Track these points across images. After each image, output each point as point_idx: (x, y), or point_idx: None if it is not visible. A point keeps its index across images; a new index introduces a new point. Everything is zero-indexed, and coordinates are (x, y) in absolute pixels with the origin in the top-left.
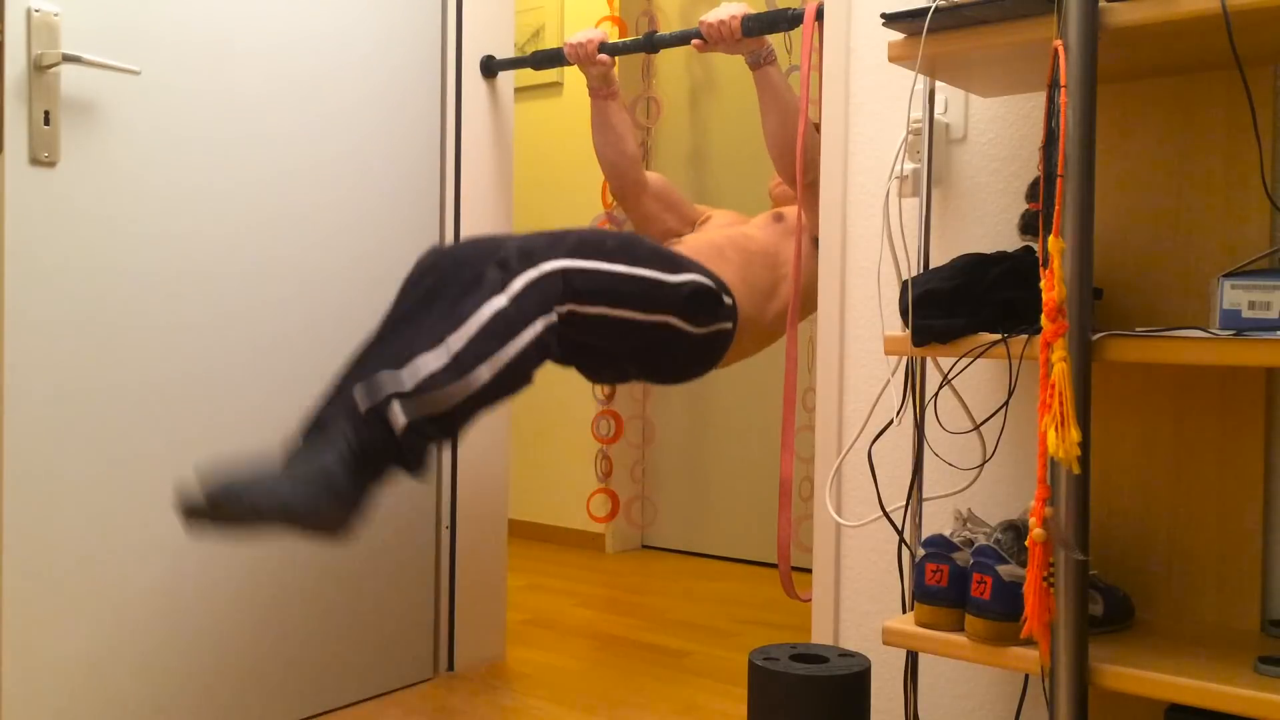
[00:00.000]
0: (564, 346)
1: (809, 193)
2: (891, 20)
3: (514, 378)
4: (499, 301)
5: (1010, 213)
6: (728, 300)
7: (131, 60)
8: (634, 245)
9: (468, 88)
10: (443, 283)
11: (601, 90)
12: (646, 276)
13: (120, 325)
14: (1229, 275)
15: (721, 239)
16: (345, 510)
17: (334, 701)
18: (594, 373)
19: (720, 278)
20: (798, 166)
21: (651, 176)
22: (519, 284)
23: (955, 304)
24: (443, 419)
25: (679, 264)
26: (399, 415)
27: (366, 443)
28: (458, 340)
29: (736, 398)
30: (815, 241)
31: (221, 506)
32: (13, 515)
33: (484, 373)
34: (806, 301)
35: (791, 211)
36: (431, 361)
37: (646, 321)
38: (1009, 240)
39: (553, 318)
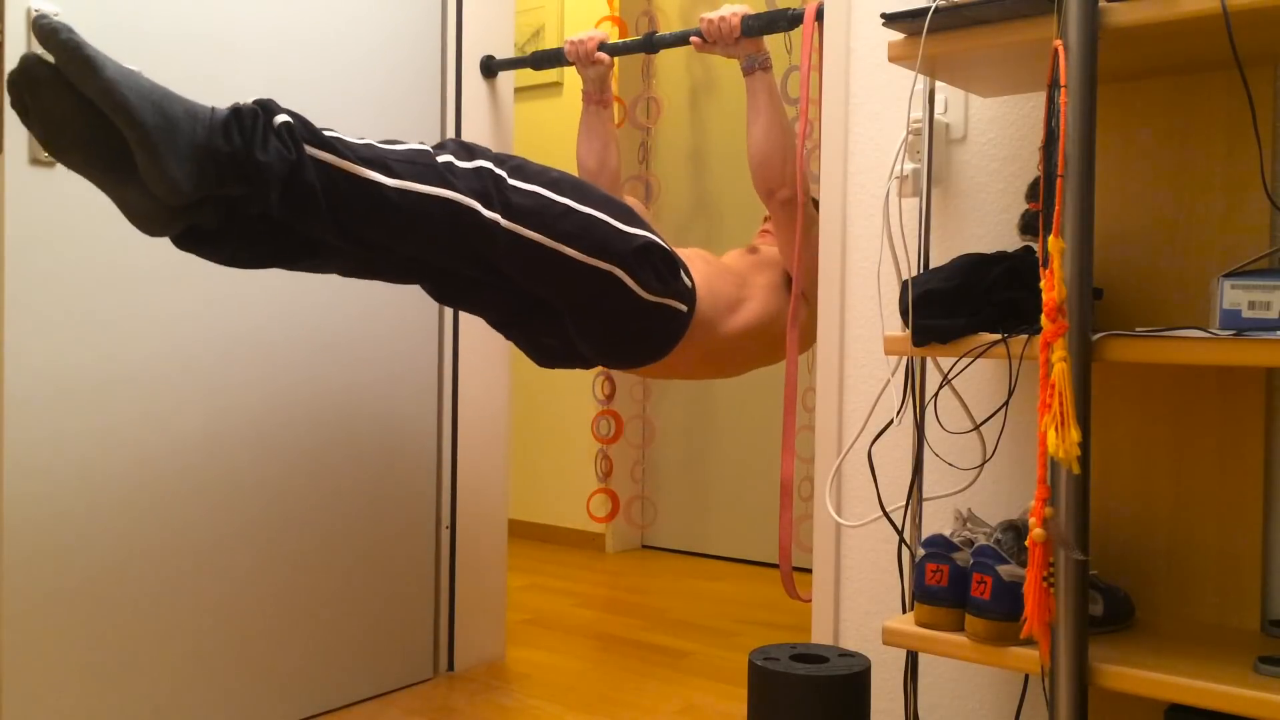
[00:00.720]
0: (500, 294)
1: (786, 214)
2: (891, 20)
3: (415, 219)
4: (425, 148)
5: (1010, 213)
6: (686, 280)
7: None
8: (586, 187)
9: (468, 88)
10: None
11: (595, 95)
12: (594, 215)
13: (119, 324)
14: (1229, 275)
15: (690, 253)
16: (167, 139)
17: (334, 701)
18: (533, 341)
19: (683, 261)
20: (797, 178)
21: (629, 199)
22: (450, 157)
23: (955, 304)
24: (321, 166)
25: (635, 219)
26: (283, 115)
27: (236, 111)
28: (371, 149)
29: (736, 398)
30: (805, 298)
31: (45, 31)
32: (12, 515)
33: (378, 175)
34: (804, 337)
35: (766, 247)
36: (339, 133)
37: (589, 265)
38: (1009, 240)
39: (483, 211)
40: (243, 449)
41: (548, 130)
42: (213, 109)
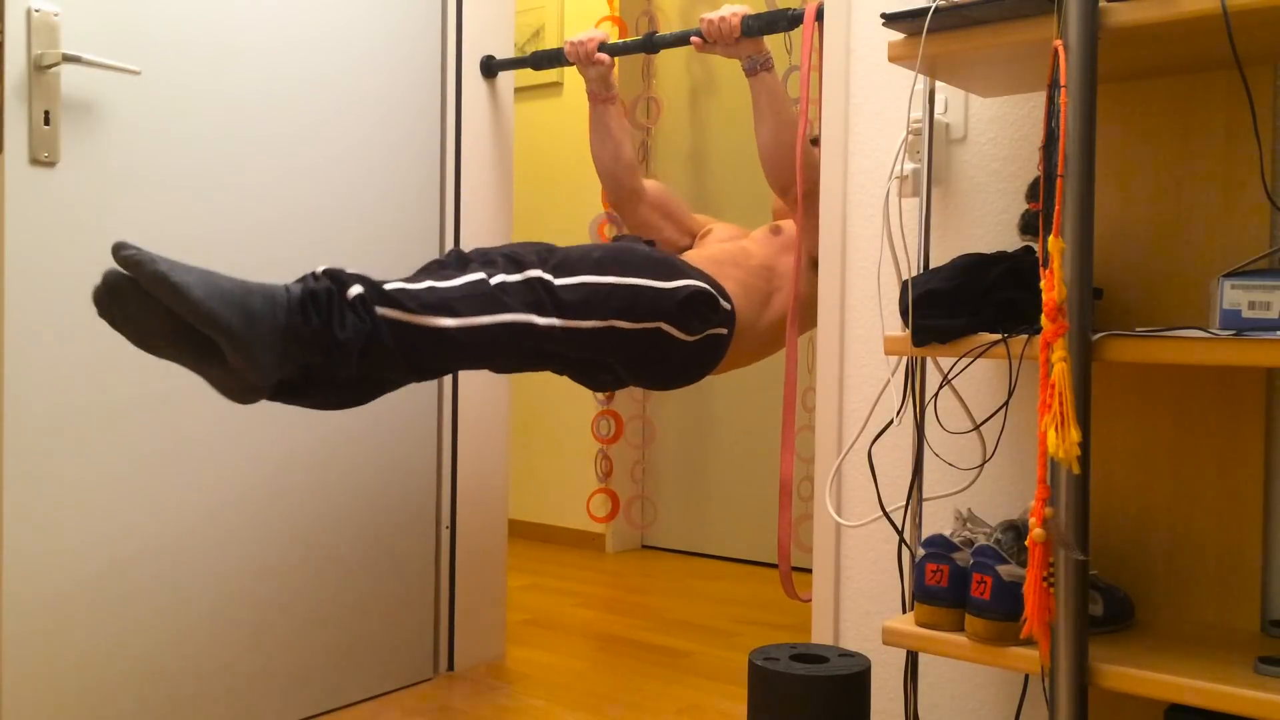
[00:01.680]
0: (557, 363)
1: (804, 204)
2: (891, 20)
3: (480, 346)
4: (480, 275)
5: (1010, 213)
6: (725, 305)
7: (131, 60)
8: (625, 255)
9: (468, 88)
10: (431, 264)
11: (600, 94)
12: (637, 285)
13: None
14: (1229, 275)
15: (721, 254)
16: (252, 333)
17: (334, 701)
18: (590, 379)
19: (719, 283)
20: (798, 177)
21: (649, 184)
22: (502, 277)
23: (955, 304)
24: (393, 325)
25: (675, 270)
26: (354, 286)
27: (310, 291)
28: (433, 292)
29: (736, 398)
30: (814, 263)
31: (131, 263)
32: (12, 516)
33: (443, 320)
34: (805, 318)
35: (789, 225)
36: (403, 283)
37: (637, 330)
38: (1009, 240)
39: (538, 321)
40: (242, 449)
41: (548, 130)
42: (287, 289)
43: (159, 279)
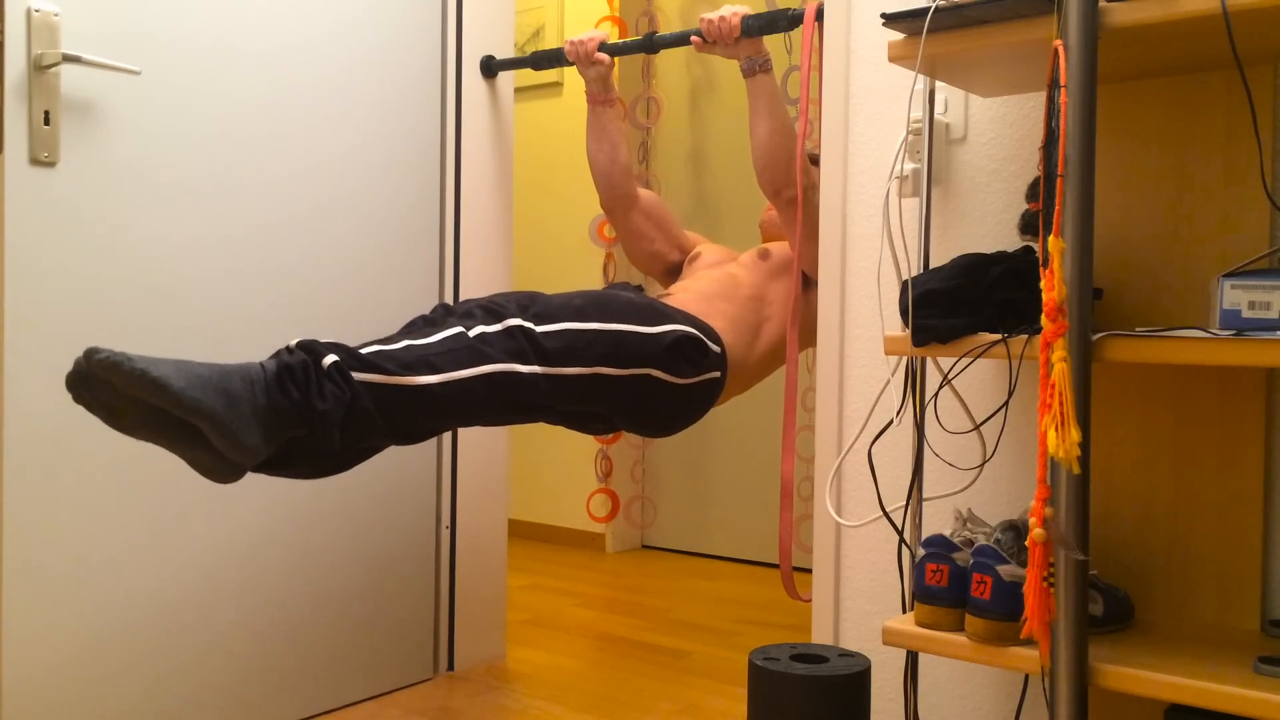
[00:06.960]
0: (547, 415)
1: (794, 211)
2: (891, 20)
3: (464, 401)
4: (459, 329)
5: (1010, 213)
6: (715, 348)
7: (131, 60)
8: (608, 301)
9: (468, 88)
10: (413, 322)
11: (599, 95)
12: (621, 330)
13: (119, 325)
14: (1229, 275)
15: (710, 287)
16: (234, 416)
17: (334, 701)
18: (582, 427)
19: (709, 324)
20: (797, 177)
21: (644, 193)
22: (481, 328)
23: (955, 304)
24: (372, 389)
25: (661, 314)
26: (329, 355)
27: (286, 365)
28: (410, 350)
29: (737, 398)
30: (810, 283)
31: (107, 366)
32: (12, 515)
33: (423, 378)
34: (805, 336)
35: (777, 248)
36: (380, 345)
37: (625, 377)
38: (1009, 240)
39: (521, 369)
40: None
41: (548, 130)
42: (262, 366)
43: (138, 377)
